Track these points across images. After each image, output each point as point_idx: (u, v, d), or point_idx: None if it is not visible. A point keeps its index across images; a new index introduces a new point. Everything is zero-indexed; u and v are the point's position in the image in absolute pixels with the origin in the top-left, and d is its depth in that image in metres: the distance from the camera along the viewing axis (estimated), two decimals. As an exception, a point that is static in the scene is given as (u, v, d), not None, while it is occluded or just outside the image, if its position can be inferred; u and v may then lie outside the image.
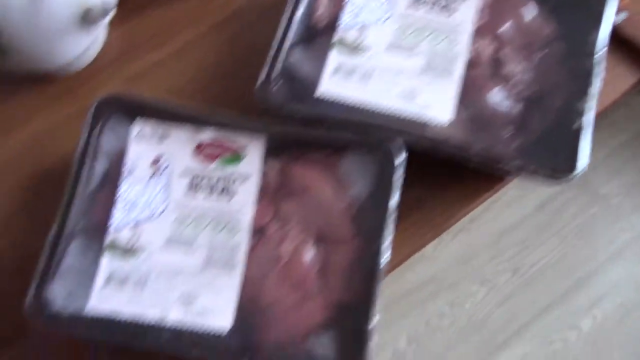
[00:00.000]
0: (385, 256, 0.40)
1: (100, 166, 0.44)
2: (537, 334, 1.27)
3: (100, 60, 0.51)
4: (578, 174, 0.38)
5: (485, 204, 1.46)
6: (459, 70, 0.43)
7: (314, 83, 0.44)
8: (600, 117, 0.44)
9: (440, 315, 1.29)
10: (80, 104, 0.49)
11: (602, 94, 0.43)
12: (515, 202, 1.35)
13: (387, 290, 1.38)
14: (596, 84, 0.41)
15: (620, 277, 1.28)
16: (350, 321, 0.40)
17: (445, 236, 1.32)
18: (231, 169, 0.44)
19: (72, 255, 0.42)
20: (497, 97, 0.42)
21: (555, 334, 1.27)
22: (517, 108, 0.42)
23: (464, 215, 0.46)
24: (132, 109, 0.45)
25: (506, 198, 1.37)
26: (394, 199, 0.41)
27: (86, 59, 0.50)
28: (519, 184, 1.35)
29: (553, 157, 0.39)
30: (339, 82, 0.43)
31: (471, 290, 1.30)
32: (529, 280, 1.30)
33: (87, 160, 0.44)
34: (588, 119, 0.40)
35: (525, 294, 1.29)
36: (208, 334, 0.40)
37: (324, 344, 0.40)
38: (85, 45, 0.49)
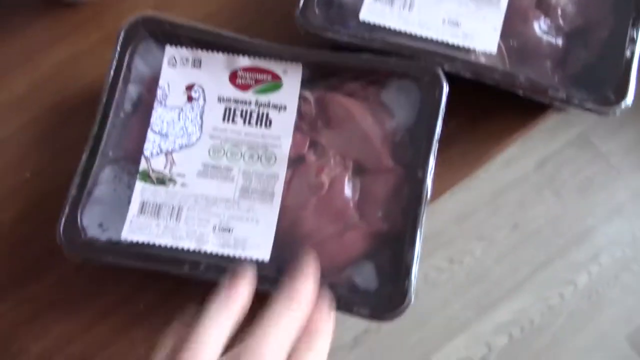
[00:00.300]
0: (428, 186, 0.39)
1: (131, 92, 0.43)
2: (534, 289, 1.29)
3: (125, -14, 0.49)
4: (627, 104, 0.38)
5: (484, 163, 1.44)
6: (504, -2, 0.42)
7: (355, 9, 0.42)
8: None
9: (439, 271, 1.30)
10: (105, 31, 0.47)
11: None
12: (515, 160, 1.36)
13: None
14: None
15: (618, 234, 1.30)
16: (392, 251, 0.40)
17: (444, 193, 1.33)
18: (268, 98, 0.42)
19: (105, 182, 0.41)
20: (543, 27, 0.42)
21: (552, 289, 1.29)
22: (564, 38, 0.42)
23: (502, 149, 0.45)
24: (164, 34, 0.43)
25: (505, 156, 1.37)
26: (438, 128, 0.40)
27: (111, -16, 0.48)
28: (520, 142, 1.35)
29: (602, 87, 0.39)
30: (381, 7, 0.42)
31: (469, 246, 1.32)
32: (527, 237, 1.31)
33: (119, 86, 0.42)
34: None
35: (523, 250, 1.31)
36: (247, 263, 0.40)
37: (365, 274, 0.40)
38: (110, -31, 0.47)
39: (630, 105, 0.38)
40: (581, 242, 1.29)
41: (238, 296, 0.29)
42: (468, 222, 1.32)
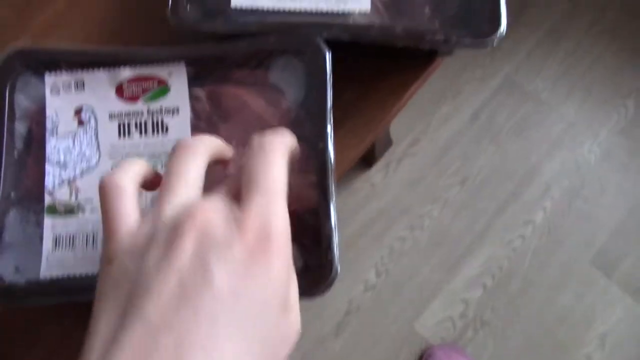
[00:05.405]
0: (331, 155, 0.39)
1: (20, 129, 0.42)
2: (495, 237, 1.31)
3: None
4: (502, 33, 0.39)
5: (421, 125, 1.47)
6: (368, -43, 0.42)
7: (225, -2, 0.42)
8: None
9: (402, 240, 1.31)
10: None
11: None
12: (449, 117, 1.37)
13: (344, 232, 1.38)
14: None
15: (562, 165, 1.34)
16: (311, 227, 0.39)
17: (390, 165, 1.35)
18: (159, 104, 0.42)
19: (12, 226, 0.40)
20: (411, -23, 0.42)
21: (512, 232, 1.31)
22: (432, -16, 0.42)
23: (402, 105, 0.46)
24: (40, 63, 0.42)
25: (440, 115, 1.39)
26: (329, 96, 0.40)
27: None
28: (450, 99, 1.37)
29: (476, 23, 0.40)
30: (250, -9, 0.42)
31: (425, 210, 1.33)
32: (478, 188, 1.34)
33: (5, 126, 0.41)
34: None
35: (477, 202, 1.33)
36: None
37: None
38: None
39: (504, 34, 0.39)
40: (529, 181, 1.32)
41: (196, 141, 0.32)
42: (419, 187, 1.33)
